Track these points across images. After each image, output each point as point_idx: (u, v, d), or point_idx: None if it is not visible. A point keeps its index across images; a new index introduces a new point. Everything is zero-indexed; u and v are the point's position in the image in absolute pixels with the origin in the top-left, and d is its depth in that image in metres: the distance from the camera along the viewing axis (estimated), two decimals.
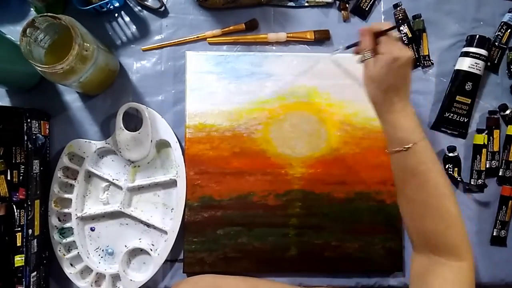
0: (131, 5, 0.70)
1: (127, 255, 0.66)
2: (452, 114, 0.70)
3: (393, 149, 0.51)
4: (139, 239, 0.67)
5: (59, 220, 0.66)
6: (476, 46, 0.69)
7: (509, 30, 0.72)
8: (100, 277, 0.66)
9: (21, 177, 0.65)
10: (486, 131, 0.70)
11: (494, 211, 0.71)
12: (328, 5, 0.72)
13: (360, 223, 0.67)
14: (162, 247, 0.65)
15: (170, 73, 0.70)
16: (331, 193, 0.67)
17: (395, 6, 0.72)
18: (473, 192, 0.71)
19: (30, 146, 0.60)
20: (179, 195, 0.65)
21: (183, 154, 0.66)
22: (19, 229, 0.63)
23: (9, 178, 0.65)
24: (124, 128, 0.64)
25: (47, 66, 0.52)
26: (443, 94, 0.71)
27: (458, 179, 0.69)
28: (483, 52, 0.69)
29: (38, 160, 0.62)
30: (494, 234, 0.70)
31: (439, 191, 0.49)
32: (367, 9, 0.72)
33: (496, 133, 0.70)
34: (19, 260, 0.61)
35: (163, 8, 0.70)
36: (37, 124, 0.62)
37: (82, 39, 0.53)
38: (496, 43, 0.72)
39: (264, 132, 0.67)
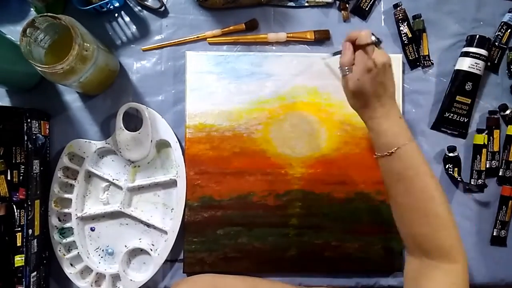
0: (131, 5, 0.70)
1: (127, 255, 0.66)
2: (452, 114, 0.70)
3: (378, 153, 0.52)
4: (139, 239, 0.67)
5: (59, 220, 0.66)
6: (476, 46, 0.69)
7: (509, 30, 0.72)
8: (100, 277, 0.66)
9: (21, 177, 0.65)
10: (486, 131, 0.70)
11: (494, 211, 0.71)
12: (328, 5, 0.72)
13: (360, 223, 0.67)
14: (162, 247, 0.65)
15: (170, 73, 0.70)
16: (331, 193, 0.67)
17: (395, 6, 0.72)
18: (473, 192, 0.71)
19: (30, 146, 0.60)
20: (179, 195, 0.65)
21: (183, 154, 0.66)
22: (19, 229, 0.63)
23: (9, 178, 0.65)
24: (124, 128, 0.64)
25: (47, 66, 0.52)
26: (443, 94, 0.71)
27: (458, 179, 0.69)
28: (483, 52, 0.69)
29: (38, 160, 0.62)
30: (494, 234, 0.70)
31: (426, 195, 0.48)
32: (367, 9, 0.72)
33: (496, 133, 0.70)
34: (19, 260, 0.61)
35: (163, 8, 0.70)
36: (37, 124, 0.62)
37: (82, 39, 0.53)
38: (496, 43, 0.72)
39: (264, 132, 0.67)
